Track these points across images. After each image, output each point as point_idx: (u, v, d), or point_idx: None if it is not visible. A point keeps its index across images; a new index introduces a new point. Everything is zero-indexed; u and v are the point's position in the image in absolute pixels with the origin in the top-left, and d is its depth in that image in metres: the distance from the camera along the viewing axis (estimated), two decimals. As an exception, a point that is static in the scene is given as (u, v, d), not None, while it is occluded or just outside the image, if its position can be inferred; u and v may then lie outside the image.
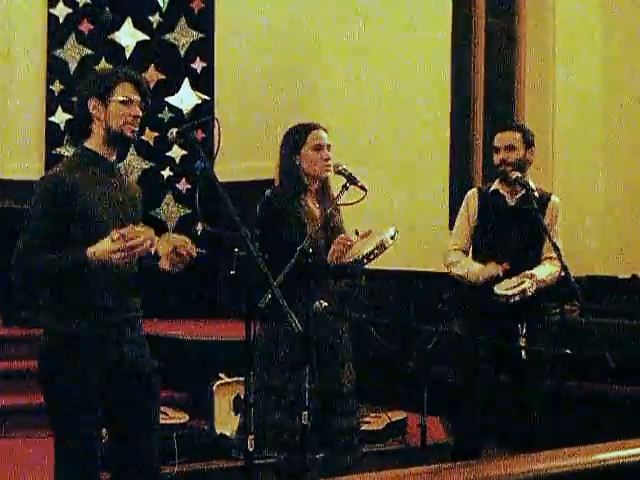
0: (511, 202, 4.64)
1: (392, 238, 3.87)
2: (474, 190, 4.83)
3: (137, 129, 3.31)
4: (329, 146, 4.08)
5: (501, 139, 4.65)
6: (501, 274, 4.46)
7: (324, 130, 4.12)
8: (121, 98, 3.27)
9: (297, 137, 4.08)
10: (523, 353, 4.29)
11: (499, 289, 4.39)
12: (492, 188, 4.70)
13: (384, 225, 3.98)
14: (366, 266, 3.89)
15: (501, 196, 4.66)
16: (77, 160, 3.32)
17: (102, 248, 3.08)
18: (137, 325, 3.38)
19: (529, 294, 4.36)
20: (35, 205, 3.23)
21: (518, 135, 4.64)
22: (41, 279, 3.23)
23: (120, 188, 3.36)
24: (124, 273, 3.26)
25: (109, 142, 3.31)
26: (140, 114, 3.31)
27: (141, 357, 3.35)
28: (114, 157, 3.37)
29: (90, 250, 3.09)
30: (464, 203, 4.81)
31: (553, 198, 4.72)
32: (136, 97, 3.30)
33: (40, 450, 4.77)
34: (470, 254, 4.74)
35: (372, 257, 3.85)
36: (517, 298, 4.35)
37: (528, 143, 4.65)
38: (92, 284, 3.19)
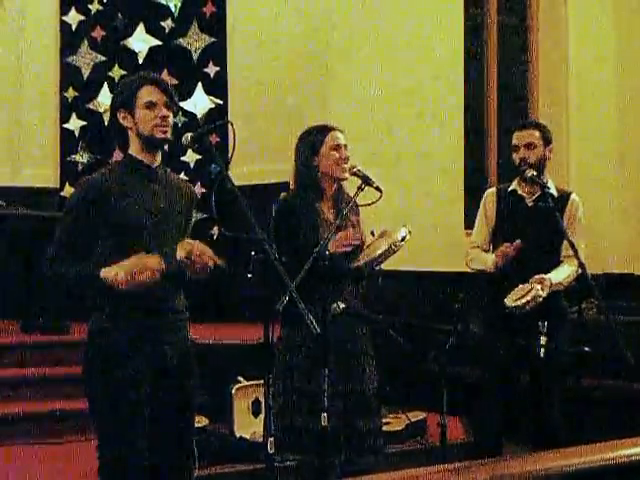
0: (529, 201, 4.61)
1: (403, 240, 3.88)
2: (492, 189, 4.81)
3: (168, 129, 3.29)
4: (346, 146, 4.08)
5: (520, 137, 4.60)
6: (513, 253, 4.40)
7: (340, 131, 4.13)
8: (144, 102, 3.27)
9: (316, 138, 4.06)
10: (542, 351, 4.26)
11: (510, 301, 4.35)
12: (510, 188, 4.68)
13: (399, 225, 3.99)
14: (379, 266, 3.92)
15: (519, 196, 4.64)
16: (119, 167, 3.34)
17: (110, 275, 3.08)
18: (181, 327, 3.37)
19: (540, 300, 4.33)
20: (67, 211, 3.26)
21: (537, 133, 4.61)
22: (67, 288, 3.26)
23: (163, 194, 3.34)
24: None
25: (146, 148, 3.31)
26: (168, 114, 3.29)
27: (182, 360, 3.33)
28: (157, 162, 3.35)
29: (103, 271, 3.10)
30: (482, 202, 4.79)
31: (573, 196, 4.69)
32: (159, 97, 3.29)
33: (75, 455, 4.92)
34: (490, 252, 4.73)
35: (382, 259, 3.88)
36: (529, 307, 4.32)
37: (546, 140, 4.61)
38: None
